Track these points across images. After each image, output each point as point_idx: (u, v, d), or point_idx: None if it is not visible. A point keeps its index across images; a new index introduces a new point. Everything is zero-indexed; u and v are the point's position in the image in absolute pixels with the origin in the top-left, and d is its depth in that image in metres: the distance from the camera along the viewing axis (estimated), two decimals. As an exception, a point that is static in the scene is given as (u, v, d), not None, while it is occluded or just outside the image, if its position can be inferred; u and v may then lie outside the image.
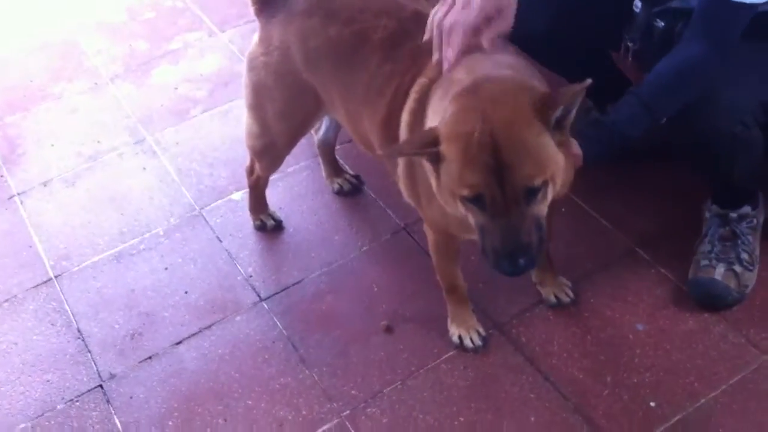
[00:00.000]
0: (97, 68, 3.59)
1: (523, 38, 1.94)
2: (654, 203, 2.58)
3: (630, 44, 2.30)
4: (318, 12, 2.12)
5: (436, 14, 1.85)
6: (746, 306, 2.27)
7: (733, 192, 2.28)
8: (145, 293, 2.60)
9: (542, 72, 2.00)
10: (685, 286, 2.33)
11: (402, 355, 2.30)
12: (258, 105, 2.34)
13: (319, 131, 2.74)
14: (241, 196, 2.81)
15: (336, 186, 2.81)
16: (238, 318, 2.48)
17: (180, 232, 2.78)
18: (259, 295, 2.54)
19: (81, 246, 2.78)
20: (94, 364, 2.41)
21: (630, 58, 2.33)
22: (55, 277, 2.69)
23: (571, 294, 2.36)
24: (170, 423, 2.22)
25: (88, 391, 2.35)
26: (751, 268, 2.28)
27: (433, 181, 1.75)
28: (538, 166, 1.62)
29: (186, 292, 2.58)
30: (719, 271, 2.26)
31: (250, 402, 2.24)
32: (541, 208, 1.67)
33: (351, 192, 2.81)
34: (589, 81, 1.62)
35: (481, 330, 2.30)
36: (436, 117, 1.74)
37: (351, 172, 2.84)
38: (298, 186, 2.89)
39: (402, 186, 2.08)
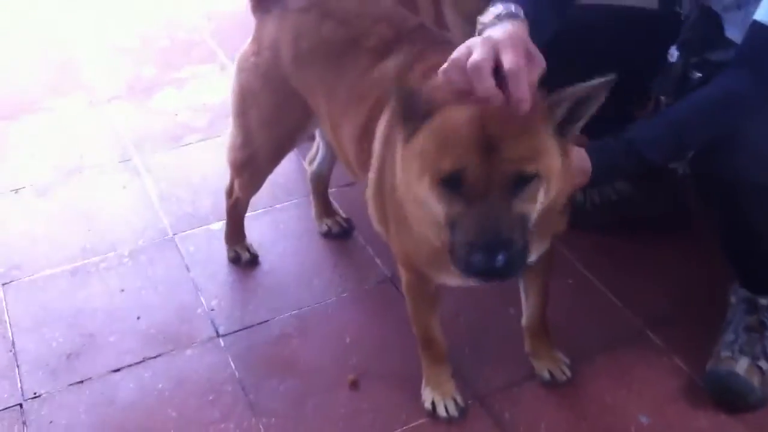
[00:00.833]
0: (95, 88, 3.42)
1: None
2: (672, 282, 2.29)
3: (662, 98, 2.07)
4: (314, 9, 1.99)
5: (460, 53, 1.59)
6: (769, 410, 1.96)
7: (764, 273, 1.99)
8: (93, 313, 2.34)
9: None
10: (700, 379, 2.02)
11: (366, 416, 2.00)
12: (243, 112, 2.15)
13: (313, 163, 2.53)
14: (221, 226, 2.56)
15: (324, 227, 2.56)
16: (188, 352, 2.20)
17: (146, 255, 2.54)
18: (217, 331, 2.26)
19: (37, 257, 2.55)
20: (20, 380, 2.13)
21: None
22: (2, 285, 2.44)
23: (568, 372, 2.06)
24: (87, 457, 1.92)
25: (5, 408, 2.06)
26: (778, 366, 1.98)
27: (399, 166, 1.51)
28: (531, 151, 1.38)
29: (138, 318, 2.32)
30: (742, 365, 1.95)
31: (182, 446, 1.94)
32: (529, 208, 1.42)
33: (339, 235, 2.56)
34: (612, 78, 1.39)
35: (459, 398, 1.99)
36: None
37: (342, 215, 2.59)
38: (283, 224, 2.65)
39: (371, 208, 1.86)
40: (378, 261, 2.45)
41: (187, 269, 2.47)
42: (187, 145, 3.05)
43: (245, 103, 2.13)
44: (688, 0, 2.00)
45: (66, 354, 2.21)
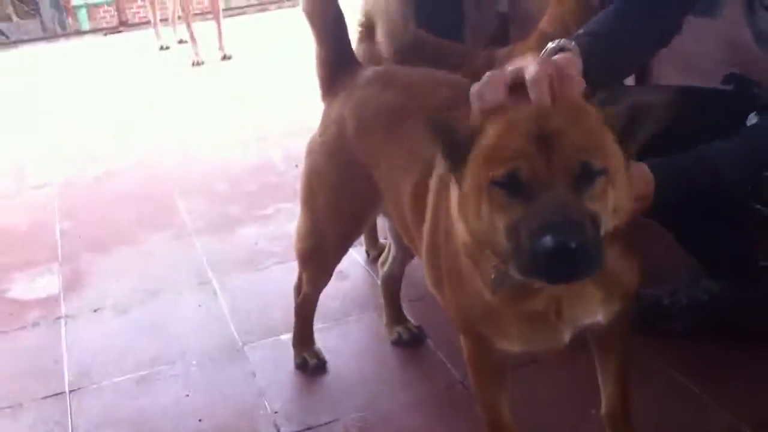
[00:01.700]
0: (185, 223, 3.52)
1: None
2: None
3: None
4: (377, 82, 2.01)
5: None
6: None
7: None
8: (155, 416, 2.28)
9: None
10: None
11: None
12: (310, 196, 2.15)
13: (384, 265, 2.48)
14: (289, 337, 2.50)
15: (395, 335, 2.47)
16: (249, 452, 2.09)
17: (214, 363, 2.49)
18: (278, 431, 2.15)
19: (106, 366, 2.53)
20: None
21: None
22: (70, 391, 2.43)
23: (656, 471, 1.85)
24: None
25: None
26: None
27: (454, 195, 1.42)
28: (597, 144, 1.29)
29: (200, 420, 2.24)
30: None
31: None
32: (600, 207, 1.29)
33: (410, 342, 2.46)
34: (672, 97, 1.33)
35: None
36: None
37: (414, 322, 2.50)
38: (353, 334, 2.57)
39: (425, 268, 1.77)
40: (449, 365, 2.32)
41: (253, 375, 2.40)
42: (263, 268, 3.06)
43: (312, 186, 2.13)
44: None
45: (125, 454, 2.14)
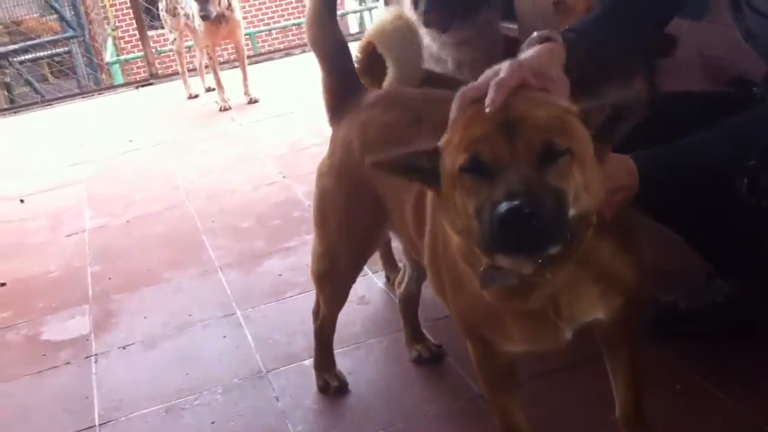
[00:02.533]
0: (212, 260, 3.58)
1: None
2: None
3: None
4: (381, 103, 2.07)
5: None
6: None
7: None
8: (182, 444, 2.32)
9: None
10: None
11: None
12: (322, 218, 2.22)
13: (401, 285, 2.51)
14: (312, 362, 2.53)
15: (415, 353, 2.50)
16: (271, 473, 2.12)
17: (239, 391, 2.53)
18: (301, 453, 2.18)
19: (136, 399, 2.59)
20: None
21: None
22: (100, 425, 2.49)
23: (675, 471, 1.84)
24: None
25: None
26: None
27: (429, 207, 1.47)
28: (560, 125, 1.33)
29: (224, 445, 2.27)
30: None
31: None
32: (564, 184, 1.31)
33: (430, 360, 2.48)
34: (643, 96, 1.35)
35: (552, 501, 1.80)
36: None
37: (433, 341, 2.52)
38: (374, 355, 2.60)
39: (429, 276, 1.82)
40: (469, 380, 2.33)
41: (277, 400, 2.44)
42: (287, 298, 3.10)
43: (324, 208, 2.19)
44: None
45: (152, 481, 2.18)
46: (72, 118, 6.97)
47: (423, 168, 1.43)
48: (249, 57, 7.73)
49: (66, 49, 12.54)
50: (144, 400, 2.57)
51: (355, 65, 2.62)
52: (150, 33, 9.66)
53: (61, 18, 12.47)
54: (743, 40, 2.03)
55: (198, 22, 6.48)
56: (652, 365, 2.18)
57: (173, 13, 6.97)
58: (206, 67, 6.99)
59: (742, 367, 2.15)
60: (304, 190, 4.24)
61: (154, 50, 8.95)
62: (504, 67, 1.46)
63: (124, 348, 2.94)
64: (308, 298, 2.94)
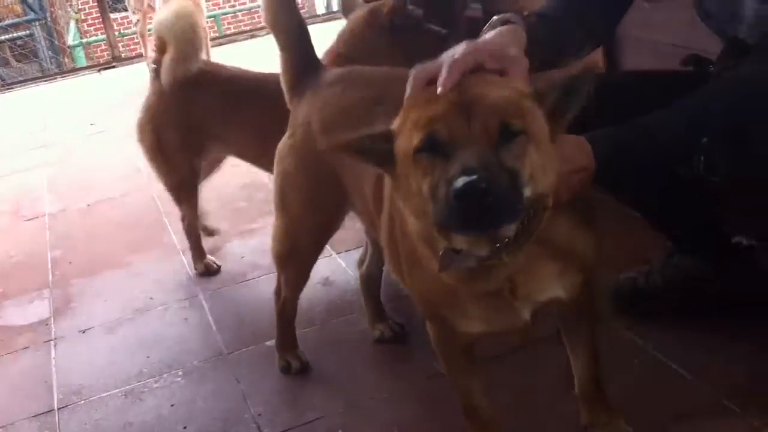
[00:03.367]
0: (174, 243, 3.55)
1: None
2: (745, 354, 2.09)
3: None
4: (340, 82, 2.05)
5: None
6: None
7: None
8: (142, 426, 2.32)
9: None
10: (785, 440, 1.78)
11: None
12: (283, 199, 2.19)
13: (362, 266, 2.50)
14: (274, 343, 2.51)
15: (377, 333, 2.49)
16: (231, 454, 2.11)
17: (200, 373, 2.52)
18: (261, 432, 2.17)
19: (95, 383, 2.56)
20: (60, 490, 2.07)
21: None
22: (58, 408, 2.46)
23: (633, 442, 1.85)
24: None
25: None
26: None
27: (387, 188, 1.46)
28: (515, 108, 1.32)
29: (185, 427, 2.27)
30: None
31: None
32: (519, 164, 1.30)
33: (392, 340, 2.48)
34: (598, 66, 1.35)
35: (513, 478, 1.81)
36: None
37: (395, 320, 2.51)
38: (337, 335, 2.59)
39: (386, 256, 1.81)
40: (431, 358, 2.31)
41: (237, 381, 2.43)
42: (250, 280, 3.08)
43: (285, 189, 2.17)
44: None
45: (110, 464, 2.16)
46: (33, 102, 6.87)
47: (377, 150, 1.42)
48: (214, 39, 7.67)
49: (28, 32, 12.35)
50: (103, 384, 2.54)
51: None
52: (113, 15, 9.54)
53: (23, 1, 12.27)
54: (700, 20, 2.03)
55: (159, 4, 6.41)
56: (611, 341, 2.20)
57: (136, -6, 6.89)
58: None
59: (700, 342, 2.17)
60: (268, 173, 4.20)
61: (117, 33, 8.84)
62: (459, 48, 1.45)
63: (83, 332, 2.90)
64: (271, 280, 2.91)
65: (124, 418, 2.35)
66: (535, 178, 1.32)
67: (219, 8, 13.06)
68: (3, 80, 9.52)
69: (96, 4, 9.70)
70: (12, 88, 7.72)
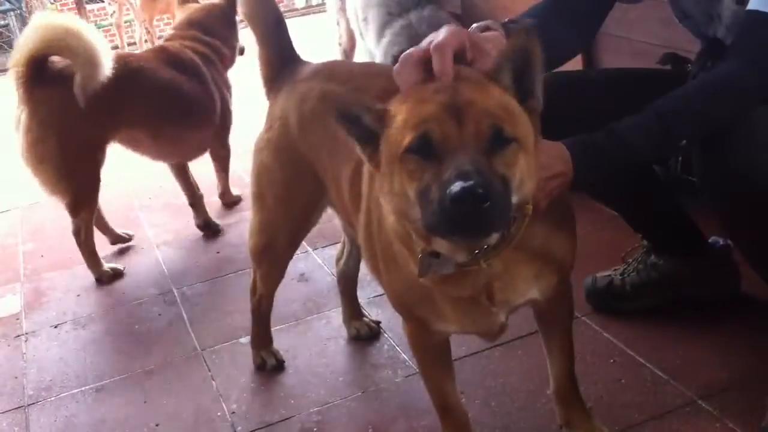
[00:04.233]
0: (148, 238, 3.51)
1: None
2: (722, 352, 2.09)
3: None
4: (318, 76, 2.02)
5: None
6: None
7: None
8: (114, 423, 2.28)
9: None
10: (758, 440, 1.78)
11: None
12: (259, 193, 2.16)
13: (340, 262, 2.48)
14: (249, 339, 2.49)
15: (353, 330, 2.47)
16: (203, 452, 2.09)
17: (173, 369, 2.48)
18: (234, 431, 2.14)
19: (66, 379, 2.52)
20: (28, 487, 2.04)
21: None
22: (28, 405, 2.42)
23: (608, 442, 1.85)
24: None
25: None
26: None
27: (365, 183, 1.44)
28: (507, 113, 1.31)
29: (157, 425, 2.23)
30: (799, 414, 1.72)
31: None
32: (510, 172, 1.29)
33: (369, 337, 2.46)
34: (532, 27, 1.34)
35: (487, 477, 1.80)
36: None
37: (372, 318, 2.50)
38: (313, 332, 2.57)
39: (364, 254, 1.79)
40: (406, 357, 2.32)
41: (212, 378, 2.40)
42: (224, 275, 3.05)
43: (262, 183, 2.14)
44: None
45: (80, 461, 2.13)
46: (7, 93, 6.77)
47: (365, 126, 1.39)
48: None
49: (3, 22, 12.17)
50: (75, 380, 2.50)
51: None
52: (89, 6, 9.45)
53: (-3, -10, 12.09)
54: (678, 21, 2.04)
55: (137, -4, 6.36)
56: (586, 341, 2.21)
57: (112, -15, 6.82)
58: (146, 41, 6.87)
59: (675, 342, 2.17)
60: (245, 166, 4.16)
61: (93, 24, 8.75)
62: (441, 32, 1.43)
63: (55, 327, 2.86)
64: (246, 276, 2.90)
65: (95, 414, 2.32)
66: (523, 184, 1.31)
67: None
68: (-24, 70, 9.36)
69: (72, -6, 9.61)
70: (-15, 79, 7.62)
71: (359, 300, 2.54)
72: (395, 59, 1.52)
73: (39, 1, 13.06)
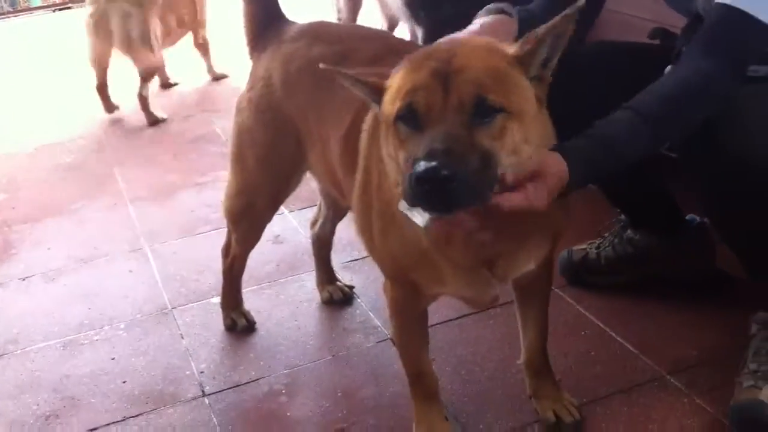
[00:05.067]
0: (122, 192, 3.46)
1: None
2: (692, 328, 2.11)
3: None
4: (305, 36, 1.99)
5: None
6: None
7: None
8: (79, 380, 2.24)
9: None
10: (725, 417, 1.79)
11: (352, 466, 1.81)
12: (239, 154, 2.13)
13: (315, 225, 2.45)
14: (220, 300, 2.46)
15: (326, 294, 2.46)
16: (170, 410, 2.08)
17: (142, 327, 2.45)
18: (203, 390, 2.13)
19: (34, 333, 2.49)
20: (-7, 443, 2.01)
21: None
22: (-7, 358, 2.38)
23: (576, 413, 1.85)
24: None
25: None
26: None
27: (364, 141, 1.48)
28: (497, 82, 1.30)
29: (124, 382, 2.21)
30: (766, 393, 1.73)
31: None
32: (495, 146, 1.28)
33: (341, 302, 2.44)
34: (577, 7, 1.32)
35: (455, 443, 1.79)
36: None
37: (344, 282, 2.48)
38: (285, 295, 2.54)
39: (355, 214, 1.76)
40: (378, 323, 2.31)
41: (181, 338, 2.38)
42: (198, 234, 3.02)
43: (242, 144, 2.10)
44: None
45: (45, 416, 2.11)
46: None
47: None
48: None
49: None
50: (42, 334, 2.47)
51: None
52: None
53: (-25, -66, 11.82)
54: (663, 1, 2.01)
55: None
56: (559, 313, 2.21)
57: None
58: (127, -7, 6.74)
59: (647, 317, 2.18)
60: (223, 124, 4.12)
61: None
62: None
63: (23, 280, 2.82)
64: (220, 235, 2.85)
65: (61, 370, 2.29)
66: (518, 152, 1.30)
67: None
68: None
69: (52, -59, 9.39)
70: (-39, 26, 7.46)
71: (334, 264, 2.52)
72: None
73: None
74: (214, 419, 2.01)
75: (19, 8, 9.71)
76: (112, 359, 2.31)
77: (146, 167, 3.75)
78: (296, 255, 2.77)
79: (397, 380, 2.00)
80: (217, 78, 5.01)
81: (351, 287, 2.48)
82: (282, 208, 2.97)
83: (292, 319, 2.41)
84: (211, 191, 3.37)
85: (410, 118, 1.30)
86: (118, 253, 2.93)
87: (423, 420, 1.81)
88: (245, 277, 2.41)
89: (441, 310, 2.25)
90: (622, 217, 2.32)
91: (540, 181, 1.35)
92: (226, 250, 2.33)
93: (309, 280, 2.57)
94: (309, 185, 2.65)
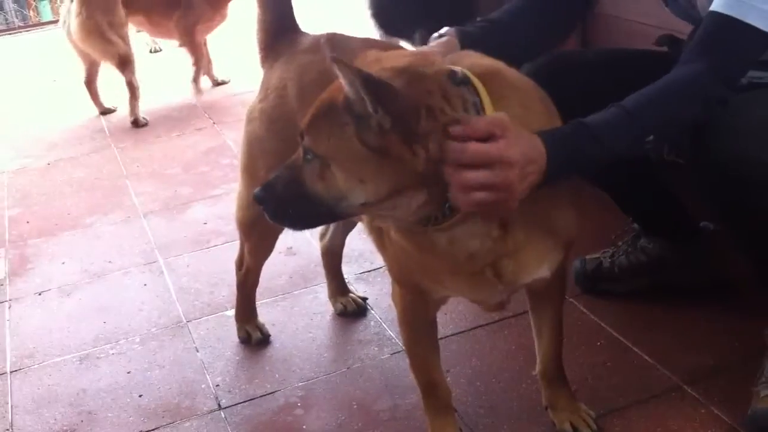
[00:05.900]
0: (135, 206, 3.48)
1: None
2: (709, 338, 2.10)
3: None
4: (320, 48, 1.96)
5: None
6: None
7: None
8: (96, 393, 2.25)
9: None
10: (742, 427, 1.78)
11: (368, 479, 1.81)
12: (251, 164, 2.12)
13: (324, 238, 2.46)
14: (234, 312, 2.47)
15: (339, 306, 2.46)
16: (187, 424, 2.08)
17: (157, 341, 2.46)
18: (219, 404, 2.14)
19: (50, 347, 2.50)
20: (11, 456, 2.03)
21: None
22: (11, 372, 2.40)
23: (593, 426, 1.84)
24: None
25: (-8, 482, 1.95)
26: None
27: None
28: (315, 129, 1.42)
29: (140, 396, 2.22)
30: (783, 401, 1.72)
31: None
32: (310, 184, 1.41)
33: (355, 313, 2.44)
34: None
35: (470, 457, 1.79)
36: None
37: (358, 294, 2.49)
38: (299, 307, 2.55)
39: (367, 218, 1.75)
40: (392, 334, 2.31)
41: (197, 351, 2.38)
42: (212, 247, 3.03)
43: (253, 154, 2.10)
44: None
45: (62, 430, 2.12)
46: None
47: None
48: None
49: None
50: (58, 348, 2.48)
51: None
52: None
53: (-13, -49, 11.91)
54: (665, 5, 2.01)
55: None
56: (573, 323, 2.20)
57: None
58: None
59: (663, 326, 2.17)
60: (234, 136, 4.14)
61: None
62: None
63: (39, 294, 2.84)
64: (233, 248, 2.86)
65: (78, 384, 2.30)
66: (347, 193, 1.38)
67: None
68: (-36, 31, 9.25)
69: (63, -44, 9.45)
70: (-27, 41, 7.52)
71: (346, 276, 2.52)
72: None
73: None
74: (230, 433, 2.02)
75: (30, 23, 9.82)
76: (128, 373, 2.32)
77: (158, 180, 3.77)
78: (309, 266, 2.78)
79: (412, 392, 1.99)
80: (218, 83, 5.10)
81: (364, 299, 2.48)
82: (295, 220, 2.99)
83: (306, 331, 2.42)
84: (224, 204, 3.38)
85: None
86: (132, 266, 2.95)
87: (437, 434, 1.81)
88: (259, 289, 2.41)
89: (454, 320, 2.26)
90: (636, 225, 2.32)
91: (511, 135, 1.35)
92: (240, 263, 2.34)
93: (322, 291, 2.57)
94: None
